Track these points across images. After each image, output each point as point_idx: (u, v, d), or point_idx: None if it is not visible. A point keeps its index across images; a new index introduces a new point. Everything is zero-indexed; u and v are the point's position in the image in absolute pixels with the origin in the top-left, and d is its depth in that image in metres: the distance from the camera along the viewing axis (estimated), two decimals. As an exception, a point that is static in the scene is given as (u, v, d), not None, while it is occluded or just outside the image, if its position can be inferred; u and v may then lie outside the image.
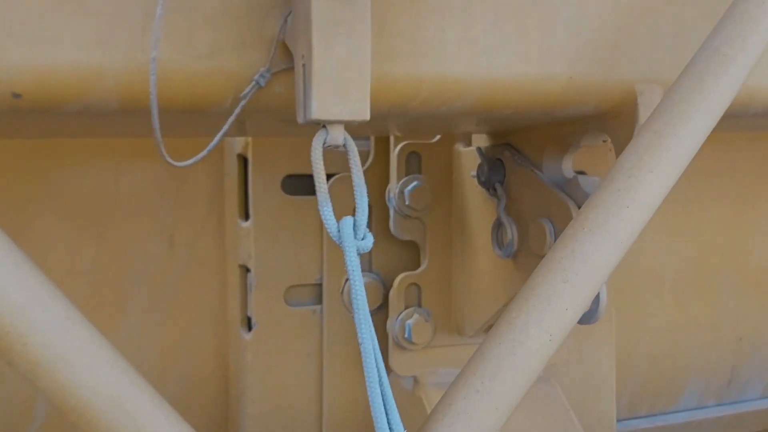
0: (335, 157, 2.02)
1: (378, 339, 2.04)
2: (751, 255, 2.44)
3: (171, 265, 1.90)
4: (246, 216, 1.91)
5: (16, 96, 0.95)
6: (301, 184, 1.93)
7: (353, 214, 1.02)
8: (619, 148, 1.32)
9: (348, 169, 1.97)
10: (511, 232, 1.59)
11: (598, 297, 1.30)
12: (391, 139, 1.86)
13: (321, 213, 1.01)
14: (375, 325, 2.06)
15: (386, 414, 1.01)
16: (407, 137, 1.83)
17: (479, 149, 1.69)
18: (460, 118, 1.32)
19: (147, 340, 1.90)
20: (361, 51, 0.96)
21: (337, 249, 2.00)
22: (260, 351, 1.91)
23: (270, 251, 1.89)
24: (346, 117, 0.96)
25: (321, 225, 1.92)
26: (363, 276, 1.91)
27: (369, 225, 2.00)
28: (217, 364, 1.97)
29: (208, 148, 1.04)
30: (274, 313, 1.90)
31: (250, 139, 1.87)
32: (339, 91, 0.95)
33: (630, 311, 2.34)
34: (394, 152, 1.83)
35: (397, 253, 1.95)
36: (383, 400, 1.01)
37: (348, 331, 1.95)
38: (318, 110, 0.94)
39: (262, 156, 1.87)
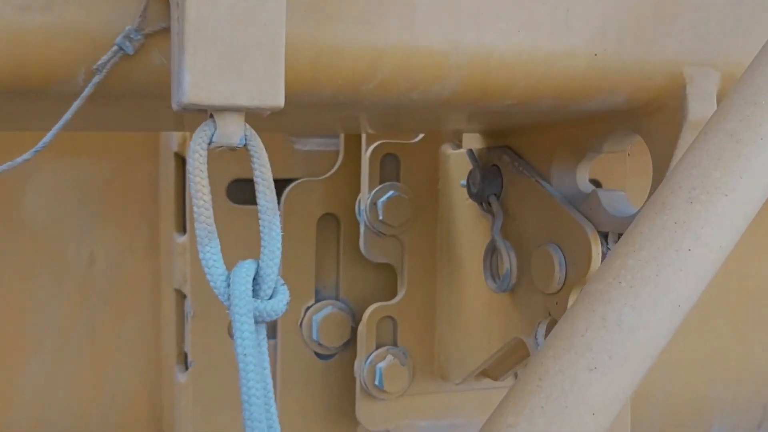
0: (296, 158, 1.68)
1: (344, 383, 1.70)
2: (788, 278, 2.10)
3: (90, 288, 1.57)
4: (184, 229, 1.56)
5: None
6: (250, 191, 1.56)
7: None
8: (659, 155, 0.97)
9: (315, 173, 1.64)
10: (508, 260, 1.23)
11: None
12: (363, 137, 1.50)
13: (200, 254, 0.65)
14: (341, 366, 1.71)
15: None
16: (382, 135, 1.47)
17: (470, 152, 1.34)
18: (440, 111, 0.97)
19: (60, 382, 1.57)
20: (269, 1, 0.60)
21: (297, 270, 1.65)
22: (198, 395, 1.56)
23: (211, 273, 1.53)
24: (244, 102, 0.61)
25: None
26: (328, 305, 1.56)
27: (336, 246, 1.67)
28: (148, 410, 1.63)
29: (36, 148, 0.68)
30: (216, 349, 1.55)
31: (189, 134, 1.51)
32: (231, 61, 0.59)
33: (647, 341, 1.99)
34: (366, 154, 1.47)
35: (368, 278, 1.60)
36: None
37: (308, 372, 1.60)
38: (193, 89, 0.59)
39: (203, 156, 1.51)
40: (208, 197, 0.67)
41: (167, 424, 1.62)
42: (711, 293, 2.15)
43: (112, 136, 1.56)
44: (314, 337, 1.56)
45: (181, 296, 1.57)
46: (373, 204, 1.46)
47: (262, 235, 0.69)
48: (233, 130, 0.64)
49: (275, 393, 1.59)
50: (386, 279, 1.58)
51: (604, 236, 1.12)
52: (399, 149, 1.47)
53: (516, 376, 1.54)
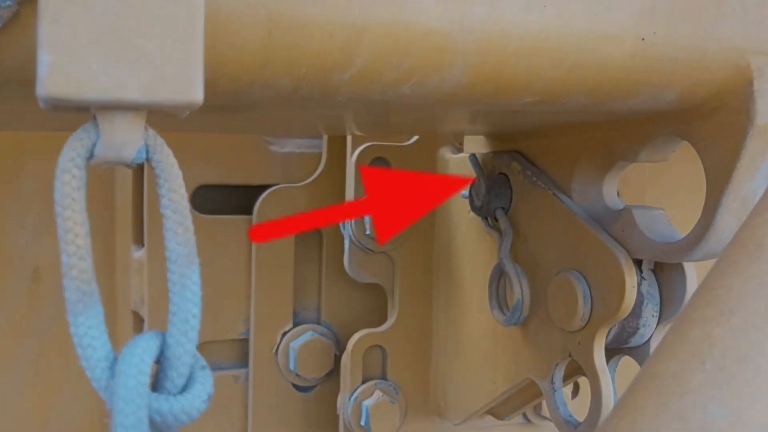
0: (272, 161, 1.48)
1: (325, 419, 1.50)
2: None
3: (35, 308, 1.36)
4: (143, 242, 1.35)
5: None
6: (219, 198, 1.37)
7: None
8: (716, 168, 0.76)
9: (293, 178, 1.43)
10: (519, 289, 1.03)
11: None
12: (348, 139, 1.29)
13: (71, 328, 0.45)
14: (322, 401, 1.51)
15: None
16: (370, 137, 1.27)
17: (473, 158, 1.13)
18: (439, 109, 0.76)
19: (1, 418, 1.35)
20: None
21: (272, 290, 1.45)
22: (158, 434, 1.35)
23: (173, 294, 1.32)
24: (138, 95, 0.41)
25: (248, 256, 1.36)
26: (308, 330, 1.36)
27: (318, 263, 1.46)
28: (101, 448, 1.42)
29: None
30: (178, 382, 1.34)
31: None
32: (119, 34, 0.39)
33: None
34: (351, 159, 1.27)
35: (355, 300, 1.40)
36: None
37: (285, 407, 1.40)
38: (54, 76, 0.38)
39: (164, 158, 1.31)
40: (84, 241, 0.46)
41: (123, 465, 1.42)
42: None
43: (58, 134, 1.35)
44: (291, 366, 1.36)
45: (140, 319, 1.37)
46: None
47: (171, 295, 0.49)
48: (125, 139, 0.43)
49: (248, 430, 1.39)
50: (375, 302, 1.38)
51: (638, 262, 0.92)
52: (389, 153, 1.27)
53: (525, 416, 1.34)
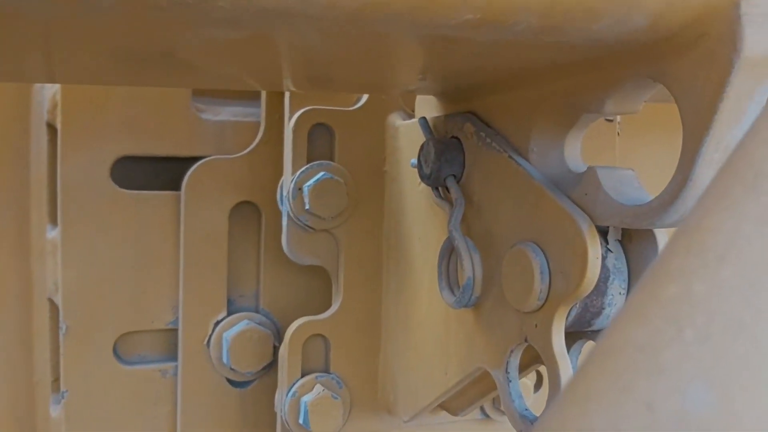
0: (204, 130, 1.34)
1: (264, 418, 1.35)
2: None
3: None
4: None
5: None
6: (143, 172, 1.23)
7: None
8: (694, 112, 0.64)
9: (228, 150, 1.28)
10: (470, 265, 0.90)
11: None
12: (286, 101, 1.16)
13: None
14: (260, 397, 1.35)
15: None
16: (310, 97, 1.14)
17: (423, 120, 1.01)
18: (354, 31, 0.63)
19: None
20: None
21: (204, 274, 1.30)
22: (74, 434, 1.21)
23: (90, 277, 1.19)
24: None
25: (176, 236, 1.22)
26: (244, 319, 1.23)
27: (256, 243, 1.31)
28: (13, 450, 1.28)
29: None
30: (97, 376, 1.21)
31: (59, 97, 1.17)
32: None
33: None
34: (290, 124, 1.13)
35: (296, 286, 1.27)
36: None
37: (218, 404, 1.26)
38: None
39: (79, 125, 1.17)
40: None
41: (39, 470, 1.28)
42: None
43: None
44: (225, 359, 1.22)
45: (56, 308, 1.23)
46: (298, 189, 1.12)
47: None
48: None
49: (176, 430, 1.25)
50: (320, 287, 1.25)
51: (603, 233, 0.80)
52: (333, 118, 1.14)
53: (483, 410, 1.22)
